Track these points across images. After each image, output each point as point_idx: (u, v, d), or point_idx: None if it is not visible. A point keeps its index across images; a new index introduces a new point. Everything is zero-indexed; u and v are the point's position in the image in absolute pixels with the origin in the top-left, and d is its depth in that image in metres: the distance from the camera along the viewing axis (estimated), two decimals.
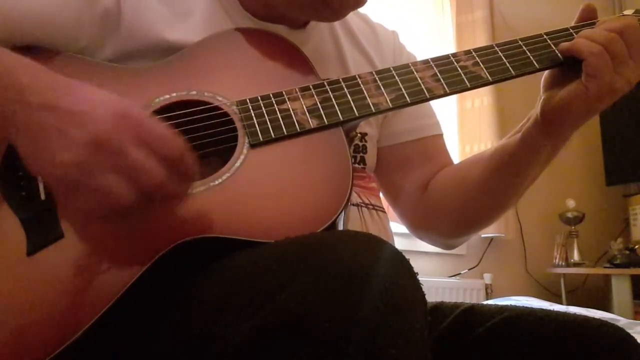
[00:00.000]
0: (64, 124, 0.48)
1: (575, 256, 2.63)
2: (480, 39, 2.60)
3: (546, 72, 0.70)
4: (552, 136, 0.70)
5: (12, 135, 0.51)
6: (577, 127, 0.69)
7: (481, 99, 2.60)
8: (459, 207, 0.81)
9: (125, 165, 0.48)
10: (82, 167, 0.47)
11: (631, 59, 0.64)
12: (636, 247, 2.50)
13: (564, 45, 0.67)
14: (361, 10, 0.80)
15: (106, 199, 0.48)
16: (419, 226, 0.88)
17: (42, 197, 0.56)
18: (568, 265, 2.62)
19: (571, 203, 2.64)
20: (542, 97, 0.69)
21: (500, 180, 0.76)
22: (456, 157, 2.44)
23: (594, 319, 0.67)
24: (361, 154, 0.83)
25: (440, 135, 0.90)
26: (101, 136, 0.48)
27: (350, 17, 0.87)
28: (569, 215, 2.63)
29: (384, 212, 0.85)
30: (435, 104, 0.84)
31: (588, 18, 0.70)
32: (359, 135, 0.82)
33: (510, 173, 0.75)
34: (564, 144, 0.72)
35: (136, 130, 0.49)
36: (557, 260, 2.65)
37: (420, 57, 0.71)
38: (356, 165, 0.82)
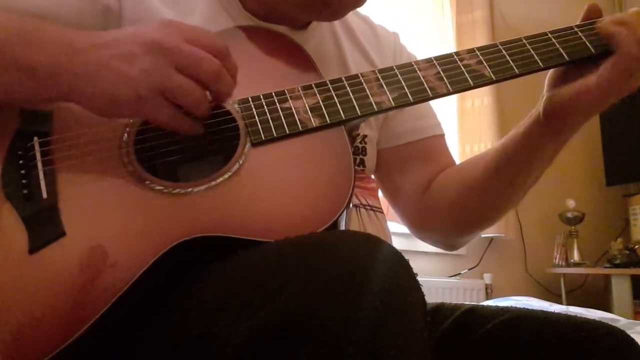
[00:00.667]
0: (120, 49, 0.54)
1: (575, 256, 2.63)
2: (480, 39, 2.60)
3: (550, 71, 0.70)
4: (554, 134, 0.70)
5: (64, 89, 0.55)
6: (578, 126, 0.69)
7: (481, 98, 2.60)
8: (461, 207, 0.81)
9: (185, 58, 0.54)
10: (151, 72, 0.53)
11: None
12: (636, 247, 2.50)
13: (608, 27, 0.64)
14: (362, 11, 0.79)
15: (180, 95, 0.54)
16: (421, 226, 0.88)
17: (44, 195, 0.57)
18: (568, 265, 2.62)
19: (571, 203, 2.64)
20: (545, 96, 0.69)
21: (501, 179, 0.76)
22: (456, 157, 2.43)
23: (594, 320, 0.67)
24: (361, 156, 0.82)
25: (442, 136, 0.90)
26: (156, 39, 0.54)
27: (352, 18, 0.87)
28: (569, 215, 2.63)
29: (382, 212, 0.84)
30: (434, 103, 0.84)
31: (594, 17, 0.70)
32: (360, 136, 0.82)
33: (511, 172, 0.75)
34: (564, 144, 0.72)
35: (182, 31, 0.55)
36: (557, 260, 2.65)
37: (420, 57, 0.70)
38: (356, 167, 0.82)
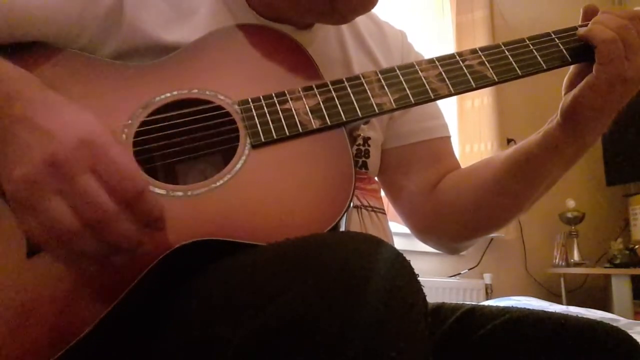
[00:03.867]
0: (32, 138, 0.47)
1: (575, 256, 2.63)
2: (480, 39, 2.61)
3: (567, 75, 0.70)
4: (573, 136, 0.69)
5: None
6: (598, 127, 0.68)
7: (481, 98, 2.60)
8: (471, 209, 0.79)
9: (73, 191, 0.45)
10: (31, 185, 0.45)
11: None
12: (636, 247, 2.50)
13: (581, 31, 0.67)
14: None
15: (48, 222, 0.45)
16: (425, 228, 0.86)
17: None
18: (568, 265, 2.62)
19: (571, 203, 2.64)
20: (563, 99, 0.69)
21: (516, 180, 0.75)
22: (456, 157, 2.44)
23: (595, 321, 0.67)
24: (363, 159, 0.81)
25: (448, 138, 0.89)
26: (57, 158, 0.45)
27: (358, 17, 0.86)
28: (569, 215, 2.63)
29: (384, 213, 0.84)
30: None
31: (592, 18, 0.70)
32: (361, 138, 0.81)
33: (527, 173, 0.74)
34: (586, 147, 0.71)
35: (97, 159, 0.46)
36: (557, 260, 2.65)
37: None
38: (357, 169, 0.81)
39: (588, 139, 0.70)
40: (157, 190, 0.57)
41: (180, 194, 0.57)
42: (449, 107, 2.59)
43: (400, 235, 0.96)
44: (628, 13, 0.65)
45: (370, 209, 0.81)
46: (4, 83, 0.51)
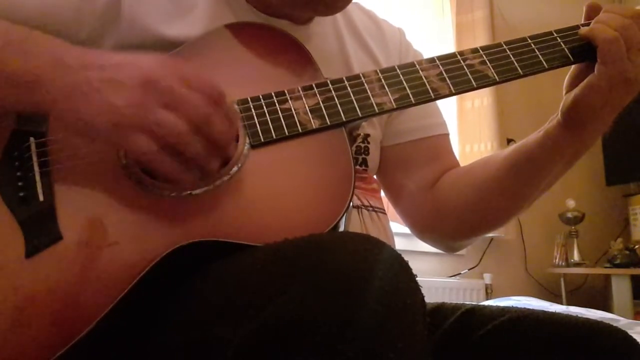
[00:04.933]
0: (110, 75, 0.52)
1: (575, 256, 2.63)
2: (480, 39, 2.60)
3: (568, 75, 0.69)
4: (573, 135, 0.69)
5: (47, 103, 0.53)
6: (599, 126, 0.68)
7: (481, 99, 2.59)
8: (470, 207, 0.79)
9: (175, 100, 0.51)
10: (138, 106, 0.51)
11: None
12: (636, 247, 2.50)
13: (583, 30, 0.66)
14: (367, 6, 0.78)
15: (161, 132, 0.51)
16: (423, 226, 0.86)
17: (41, 197, 0.56)
18: (568, 265, 2.62)
19: (571, 203, 2.64)
20: (564, 98, 0.69)
21: (516, 179, 0.75)
22: (455, 155, 2.44)
23: (594, 320, 0.67)
24: (363, 156, 0.81)
25: (447, 135, 0.89)
26: (151, 76, 0.52)
27: (356, 13, 0.85)
28: (569, 215, 2.63)
29: (385, 213, 0.83)
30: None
31: (594, 16, 0.70)
32: (361, 135, 0.81)
33: (527, 172, 0.74)
34: (586, 147, 0.71)
35: (181, 73, 0.53)
36: (557, 260, 2.65)
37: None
38: (357, 167, 0.81)
39: (588, 139, 0.70)
40: (156, 191, 0.57)
41: (179, 194, 0.57)
42: (448, 108, 2.58)
43: (400, 235, 0.95)
44: (631, 12, 0.64)
45: (370, 208, 0.80)
46: (39, 43, 0.56)
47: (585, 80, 0.65)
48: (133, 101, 0.51)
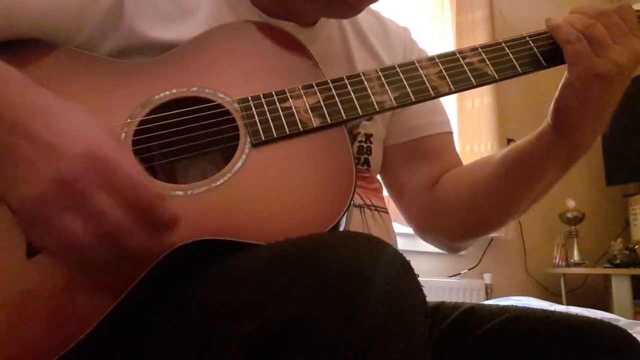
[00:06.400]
0: (36, 155, 0.45)
1: (575, 256, 2.63)
2: (480, 39, 2.60)
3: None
4: (563, 135, 0.69)
5: None
6: (589, 126, 0.68)
7: (481, 98, 2.59)
8: (468, 207, 0.79)
9: (87, 208, 0.44)
10: (43, 204, 0.44)
11: (615, 42, 0.63)
12: (636, 247, 2.50)
13: (551, 24, 0.67)
14: (372, 5, 0.78)
15: (62, 238, 0.44)
16: (424, 226, 0.86)
17: None
18: (568, 265, 2.62)
19: (571, 203, 2.64)
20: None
21: (511, 180, 0.75)
22: (457, 153, 2.44)
23: (594, 319, 0.67)
24: (365, 156, 0.81)
25: (450, 133, 0.88)
26: (66, 176, 0.44)
27: (360, 14, 0.86)
28: (569, 215, 2.63)
29: (387, 212, 0.83)
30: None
31: None
32: (363, 135, 0.80)
33: (521, 173, 0.74)
34: (582, 148, 0.71)
35: (105, 175, 0.45)
36: (557, 260, 2.65)
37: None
38: (359, 167, 0.81)
39: (580, 139, 0.70)
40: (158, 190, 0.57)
41: (180, 193, 0.57)
42: (448, 107, 2.55)
43: (402, 235, 0.95)
44: (596, 10, 0.65)
45: (372, 208, 0.80)
46: None
47: (561, 81, 0.66)
48: (39, 197, 0.44)
